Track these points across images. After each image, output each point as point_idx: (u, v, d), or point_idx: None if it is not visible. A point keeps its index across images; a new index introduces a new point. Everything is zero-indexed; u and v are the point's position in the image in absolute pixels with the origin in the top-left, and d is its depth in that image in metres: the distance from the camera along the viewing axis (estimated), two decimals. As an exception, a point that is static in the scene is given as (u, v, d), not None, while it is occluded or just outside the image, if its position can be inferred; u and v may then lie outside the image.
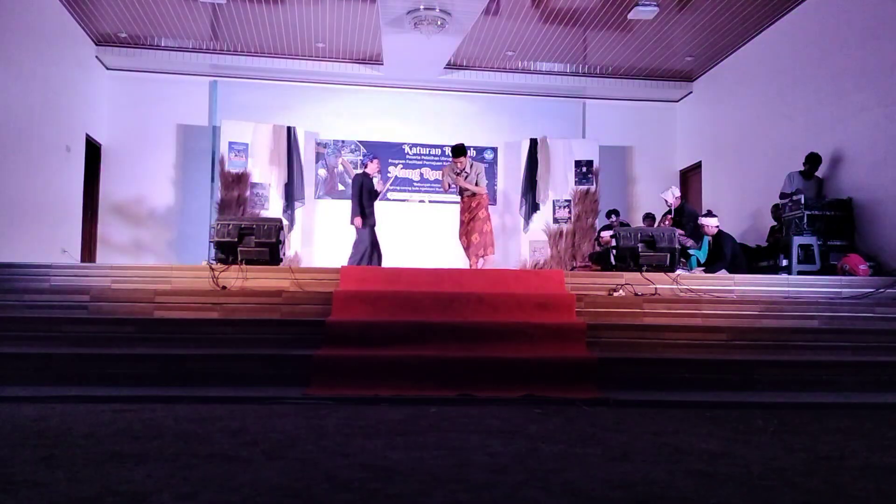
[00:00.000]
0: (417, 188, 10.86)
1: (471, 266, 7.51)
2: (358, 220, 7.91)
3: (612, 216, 9.76)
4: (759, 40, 9.01)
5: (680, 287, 5.68)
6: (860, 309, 5.37)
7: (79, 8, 8.56)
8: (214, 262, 5.92)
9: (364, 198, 7.97)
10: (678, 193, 8.60)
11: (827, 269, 6.66)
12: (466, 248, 7.65)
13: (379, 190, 8.38)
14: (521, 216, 10.63)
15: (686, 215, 8.24)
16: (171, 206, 10.29)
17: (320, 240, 10.49)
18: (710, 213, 7.45)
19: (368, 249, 7.94)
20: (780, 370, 4.34)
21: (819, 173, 7.55)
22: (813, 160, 7.43)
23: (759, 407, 3.81)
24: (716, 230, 7.20)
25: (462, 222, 7.71)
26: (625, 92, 10.95)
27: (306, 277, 5.66)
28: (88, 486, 2.10)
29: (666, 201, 8.56)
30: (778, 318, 5.19)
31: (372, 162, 8.29)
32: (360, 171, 8.75)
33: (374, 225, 8.07)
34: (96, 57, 9.71)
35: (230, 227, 5.91)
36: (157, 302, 5.04)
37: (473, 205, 7.59)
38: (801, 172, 7.52)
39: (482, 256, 7.52)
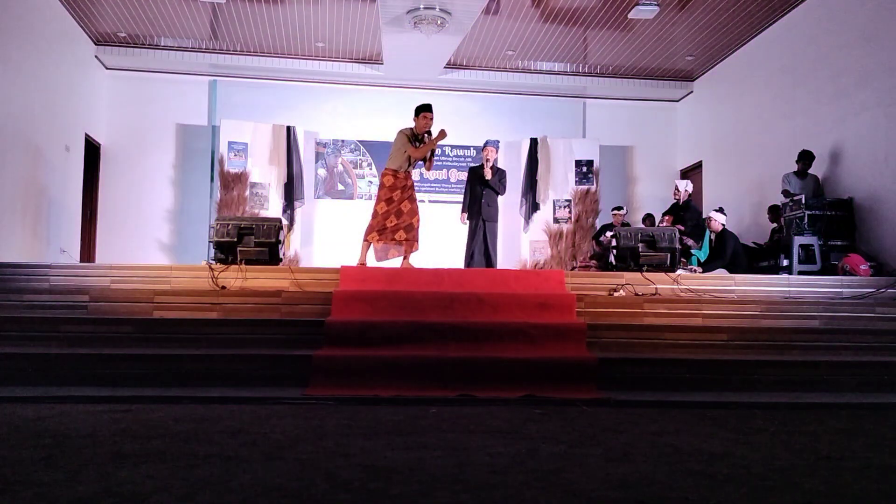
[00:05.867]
0: (418, 188, 10.78)
1: (404, 255, 6.40)
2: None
3: (619, 210, 9.66)
4: (760, 40, 9.00)
5: (680, 287, 5.68)
6: (861, 309, 5.36)
7: (78, 8, 8.55)
8: (214, 262, 5.91)
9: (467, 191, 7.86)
10: (690, 189, 8.62)
11: (827, 269, 6.66)
12: (395, 231, 6.25)
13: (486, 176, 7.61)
14: (521, 216, 10.62)
15: (690, 211, 8.24)
16: (171, 206, 10.28)
17: (320, 240, 10.49)
18: (721, 210, 7.48)
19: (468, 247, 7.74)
20: (780, 370, 4.34)
21: (819, 173, 7.54)
22: (806, 157, 7.43)
23: (759, 407, 3.81)
24: (720, 227, 7.22)
25: (391, 200, 6.30)
26: (625, 91, 10.95)
27: (306, 277, 5.66)
28: (88, 486, 2.09)
29: (677, 188, 8.56)
30: (778, 319, 5.18)
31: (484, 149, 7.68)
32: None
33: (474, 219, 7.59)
34: (96, 57, 9.71)
35: (229, 226, 5.90)
36: (156, 302, 5.03)
37: (410, 183, 6.45)
38: (795, 172, 7.53)
39: (414, 251, 6.40)
